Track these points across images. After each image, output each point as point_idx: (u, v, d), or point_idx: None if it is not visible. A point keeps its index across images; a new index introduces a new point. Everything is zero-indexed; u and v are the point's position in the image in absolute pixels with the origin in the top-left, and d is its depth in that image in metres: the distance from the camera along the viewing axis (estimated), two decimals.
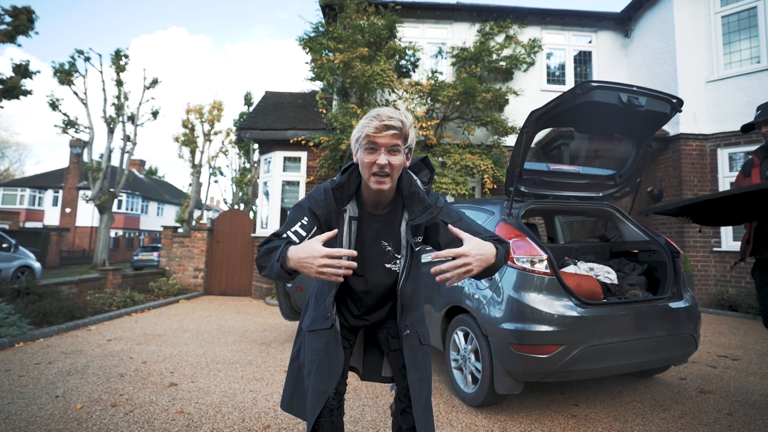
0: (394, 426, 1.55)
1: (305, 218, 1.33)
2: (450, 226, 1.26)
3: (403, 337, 1.44)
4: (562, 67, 8.56)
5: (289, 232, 1.31)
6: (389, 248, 1.42)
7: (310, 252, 1.12)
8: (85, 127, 15.99)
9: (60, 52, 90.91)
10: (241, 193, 23.94)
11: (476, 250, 1.16)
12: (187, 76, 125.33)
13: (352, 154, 1.35)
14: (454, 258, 1.13)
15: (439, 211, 1.39)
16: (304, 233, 1.31)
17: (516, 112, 7.68)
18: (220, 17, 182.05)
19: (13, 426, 2.33)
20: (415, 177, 1.42)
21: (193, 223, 21.34)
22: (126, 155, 16.61)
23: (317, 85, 11.63)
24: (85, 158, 17.03)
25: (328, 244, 1.37)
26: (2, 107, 10.77)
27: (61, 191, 28.52)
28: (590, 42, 8.60)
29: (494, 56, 7.77)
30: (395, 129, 1.24)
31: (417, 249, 1.42)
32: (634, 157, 3.21)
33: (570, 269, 3.09)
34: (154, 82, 16.96)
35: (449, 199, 7.45)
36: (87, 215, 27.20)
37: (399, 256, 1.43)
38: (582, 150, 3.60)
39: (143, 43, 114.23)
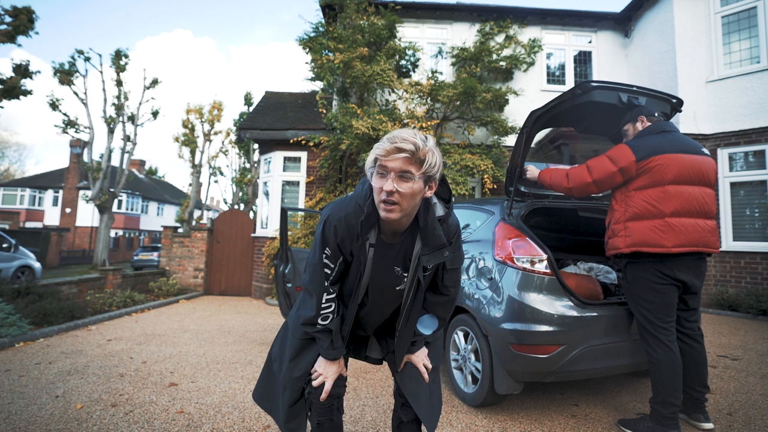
0: (395, 420, 1.57)
1: (328, 249, 1.33)
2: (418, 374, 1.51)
3: (398, 368, 1.52)
4: (562, 67, 8.56)
5: (326, 270, 1.35)
6: (399, 271, 1.39)
7: (325, 372, 1.43)
8: (85, 127, 16.02)
9: (66, 53, 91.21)
10: (241, 193, 23.95)
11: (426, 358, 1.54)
12: (192, 79, 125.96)
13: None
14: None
15: (450, 256, 1.33)
16: (333, 265, 1.35)
17: (516, 112, 7.68)
18: (223, 18, 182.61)
19: (14, 426, 2.33)
20: (434, 202, 1.32)
21: (193, 223, 21.36)
22: (126, 155, 16.63)
23: (317, 85, 11.63)
24: (85, 158, 17.05)
25: (348, 267, 1.40)
26: (2, 107, 10.78)
27: (61, 191, 28.53)
28: (590, 42, 8.60)
29: (494, 56, 7.77)
30: (406, 152, 1.14)
31: (422, 284, 1.38)
32: None
33: (570, 269, 3.10)
34: (154, 82, 16.98)
35: None
36: (87, 215, 27.20)
37: (406, 274, 1.40)
38: (582, 150, 3.60)
39: (148, 45, 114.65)
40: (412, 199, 1.20)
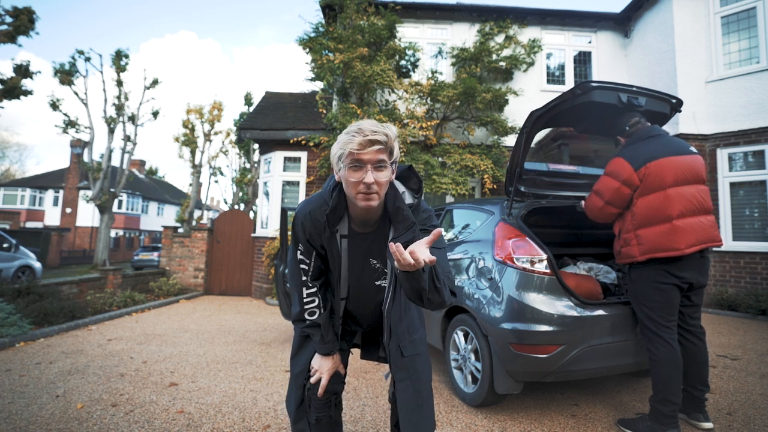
0: (393, 417, 1.60)
1: (300, 245, 1.39)
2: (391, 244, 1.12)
3: (391, 353, 1.45)
4: (562, 67, 8.56)
5: (302, 265, 1.40)
6: (378, 265, 1.42)
7: (320, 367, 1.45)
8: (86, 127, 16.02)
9: (67, 54, 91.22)
10: (241, 193, 23.93)
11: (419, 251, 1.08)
12: (196, 81, 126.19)
13: (334, 171, 1.29)
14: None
15: (419, 234, 1.28)
16: (308, 260, 1.40)
17: (516, 112, 7.68)
18: (226, 20, 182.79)
19: (14, 425, 2.34)
20: (402, 189, 1.35)
21: (194, 223, 21.35)
22: (126, 155, 16.62)
23: (317, 86, 11.63)
24: (86, 158, 17.04)
25: (324, 260, 1.44)
26: (3, 107, 10.79)
27: (61, 191, 28.52)
28: (590, 42, 8.60)
29: (494, 56, 7.77)
30: (380, 144, 1.17)
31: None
32: None
33: (570, 269, 3.10)
34: (155, 82, 16.98)
35: (449, 199, 7.45)
36: (87, 215, 27.20)
37: (387, 270, 1.42)
38: (582, 150, 3.60)
39: (152, 47, 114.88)
40: (387, 185, 1.25)
